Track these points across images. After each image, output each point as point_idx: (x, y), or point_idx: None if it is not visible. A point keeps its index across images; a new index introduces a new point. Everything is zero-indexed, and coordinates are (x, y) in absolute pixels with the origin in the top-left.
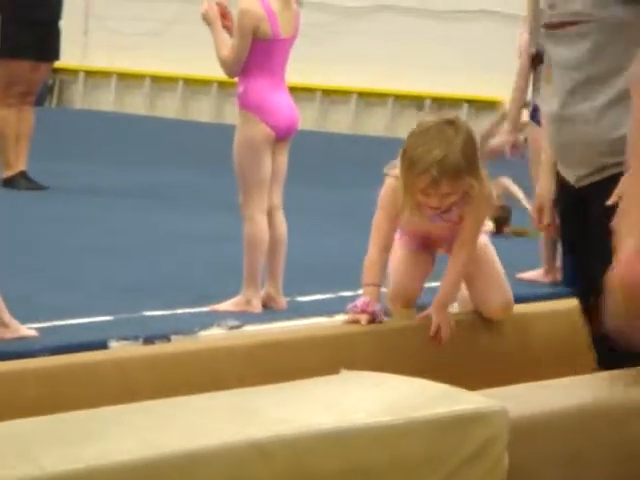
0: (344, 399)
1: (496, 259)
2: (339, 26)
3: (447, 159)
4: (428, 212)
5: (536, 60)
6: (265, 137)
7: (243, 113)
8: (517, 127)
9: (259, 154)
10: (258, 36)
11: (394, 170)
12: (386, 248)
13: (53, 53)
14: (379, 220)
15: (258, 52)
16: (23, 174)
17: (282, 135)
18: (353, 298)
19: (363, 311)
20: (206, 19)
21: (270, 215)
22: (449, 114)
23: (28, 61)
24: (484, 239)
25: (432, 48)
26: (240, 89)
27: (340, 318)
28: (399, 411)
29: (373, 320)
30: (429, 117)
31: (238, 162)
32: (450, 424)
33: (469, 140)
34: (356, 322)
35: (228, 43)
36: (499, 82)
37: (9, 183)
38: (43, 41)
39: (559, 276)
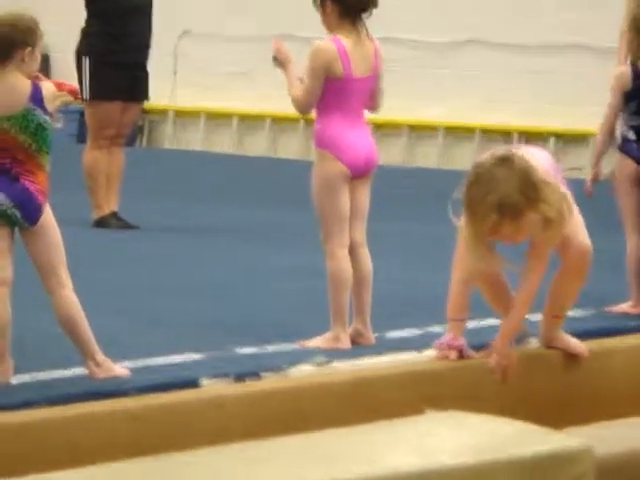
0: (428, 440)
1: None
2: (425, 61)
3: (504, 202)
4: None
5: (628, 94)
6: (341, 175)
7: (319, 151)
8: (599, 160)
9: (335, 191)
10: (330, 75)
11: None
12: (468, 282)
13: (143, 94)
14: (458, 260)
15: (332, 91)
16: (114, 215)
17: (359, 172)
18: (441, 333)
19: (450, 347)
20: (277, 60)
21: (354, 251)
22: (502, 150)
23: (118, 103)
24: None
25: (519, 82)
26: (316, 127)
27: (428, 353)
28: (483, 452)
29: (461, 355)
30: (483, 156)
31: (316, 200)
32: (535, 465)
33: (525, 175)
34: (445, 358)
35: (299, 84)
36: (587, 116)
37: (100, 224)
38: (133, 83)
39: None
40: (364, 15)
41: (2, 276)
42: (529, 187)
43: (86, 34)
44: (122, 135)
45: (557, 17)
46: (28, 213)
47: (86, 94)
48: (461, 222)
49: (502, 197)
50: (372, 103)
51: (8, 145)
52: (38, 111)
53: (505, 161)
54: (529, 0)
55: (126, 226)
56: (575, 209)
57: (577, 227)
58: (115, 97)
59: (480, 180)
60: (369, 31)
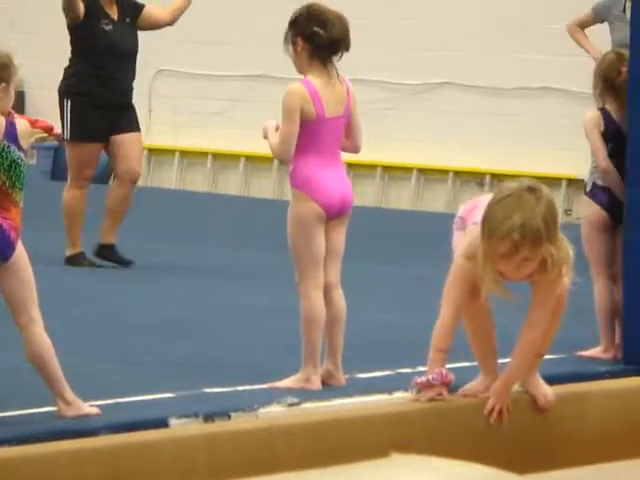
0: None
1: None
2: (400, 103)
3: (528, 224)
4: (504, 281)
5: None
6: (315, 215)
7: (294, 191)
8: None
9: (310, 232)
10: (303, 117)
11: (465, 250)
12: (457, 317)
13: (132, 125)
14: (451, 290)
15: (305, 132)
16: (111, 247)
17: (333, 213)
18: (411, 375)
19: (443, 383)
20: (265, 133)
21: (328, 292)
22: (530, 182)
23: (97, 145)
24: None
25: (493, 124)
26: (291, 168)
27: (399, 395)
28: None
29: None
30: (509, 184)
31: (291, 240)
32: None
33: (550, 207)
34: (432, 397)
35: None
36: (561, 159)
37: (72, 261)
38: (118, 119)
39: (619, 354)
40: (335, 57)
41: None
42: (553, 220)
43: (69, 74)
44: (129, 170)
45: (531, 60)
46: (1, 249)
47: (67, 134)
48: (458, 245)
49: (528, 219)
50: (352, 144)
51: None
52: (12, 148)
53: (534, 190)
54: (503, 43)
55: (92, 264)
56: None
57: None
58: (95, 139)
59: (507, 201)
60: (339, 72)
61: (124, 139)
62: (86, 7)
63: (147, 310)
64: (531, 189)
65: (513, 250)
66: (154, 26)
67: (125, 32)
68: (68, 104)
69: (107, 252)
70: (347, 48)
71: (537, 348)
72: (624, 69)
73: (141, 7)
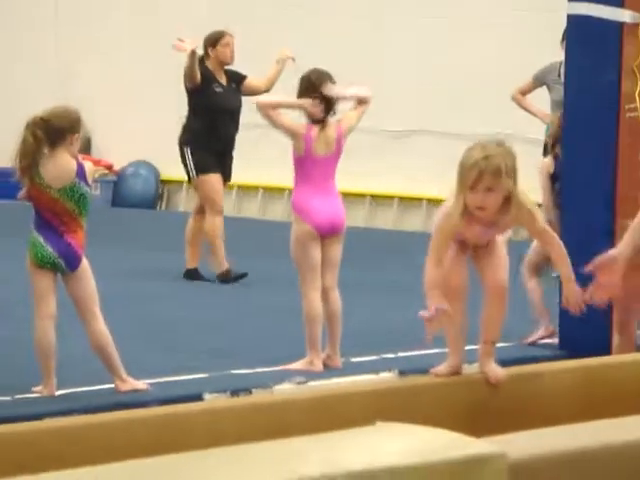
0: (376, 445)
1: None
2: (384, 145)
3: (490, 158)
4: (476, 217)
5: (553, 178)
6: (309, 234)
7: (293, 215)
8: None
9: (305, 247)
10: (295, 152)
11: (442, 208)
12: (440, 264)
13: (229, 175)
14: (435, 242)
15: (297, 164)
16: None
17: (325, 232)
18: (393, 360)
19: (437, 311)
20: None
21: (326, 294)
22: (498, 139)
23: (219, 175)
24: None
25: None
26: (292, 196)
27: (384, 375)
28: (419, 456)
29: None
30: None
31: (292, 253)
32: (457, 467)
33: (510, 154)
34: (436, 326)
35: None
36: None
37: (222, 277)
38: (222, 165)
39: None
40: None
41: (49, 311)
42: (512, 165)
43: (187, 128)
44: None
45: (492, 111)
46: (70, 262)
47: (192, 174)
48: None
49: (491, 155)
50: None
51: (57, 210)
52: (82, 184)
53: (499, 143)
54: (465, 96)
55: (237, 277)
56: (504, 251)
57: (503, 265)
58: (215, 170)
59: (475, 146)
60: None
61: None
62: (202, 74)
63: (185, 310)
64: (497, 142)
65: (478, 178)
66: (254, 93)
67: (232, 94)
68: (188, 151)
69: (227, 275)
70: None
71: (565, 256)
72: None
73: (244, 77)
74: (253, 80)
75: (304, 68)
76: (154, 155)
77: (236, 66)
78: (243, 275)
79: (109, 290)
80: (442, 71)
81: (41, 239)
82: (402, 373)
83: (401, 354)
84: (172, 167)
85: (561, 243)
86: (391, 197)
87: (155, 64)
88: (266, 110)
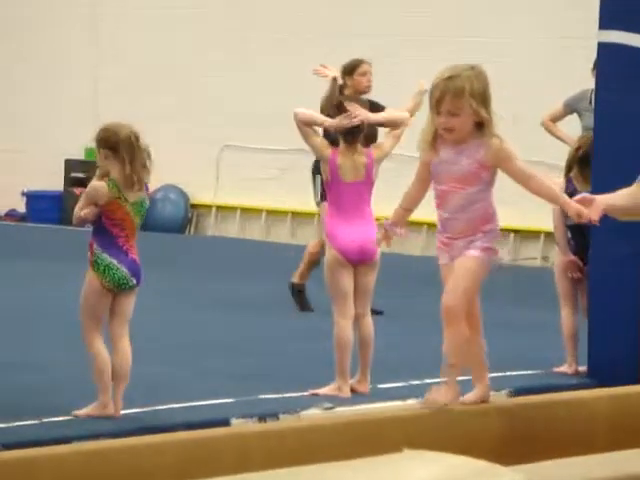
0: (403, 473)
1: (470, 272)
2: (404, 171)
3: (454, 79)
4: (446, 140)
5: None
6: (337, 260)
7: (325, 241)
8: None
9: (335, 273)
10: (322, 172)
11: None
12: (417, 184)
13: None
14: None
15: (326, 188)
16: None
17: (355, 259)
18: (421, 386)
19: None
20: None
21: (358, 320)
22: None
23: None
24: (478, 255)
25: None
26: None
27: (411, 402)
28: None
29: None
30: None
31: (325, 279)
32: None
33: (480, 76)
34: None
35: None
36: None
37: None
38: None
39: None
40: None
41: (115, 332)
42: (481, 86)
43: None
44: None
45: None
46: (138, 278)
47: (317, 199)
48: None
49: (455, 75)
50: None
51: (126, 225)
52: (148, 200)
53: (471, 65)
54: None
55: (302, 300)
56: (470, 269)
57: (457, 287)
58: None
59: (445, 69)
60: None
61: None
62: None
63: (211, 333)
64: (470, 64)
65: (440, 98)
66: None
67: (368, 124)
68: (318, 178)
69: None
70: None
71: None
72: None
73: (382, 108)
74: (393, 113)
75: None
76: (184, 180)
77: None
78: (307, 303)
79: (137, 313)
80: None
81: (114, 261)
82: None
83: (427, 380)
84: (202, 192)
85: (544, 177)
86: (419, 223)
87: (189, 93)
88: (300, 123)
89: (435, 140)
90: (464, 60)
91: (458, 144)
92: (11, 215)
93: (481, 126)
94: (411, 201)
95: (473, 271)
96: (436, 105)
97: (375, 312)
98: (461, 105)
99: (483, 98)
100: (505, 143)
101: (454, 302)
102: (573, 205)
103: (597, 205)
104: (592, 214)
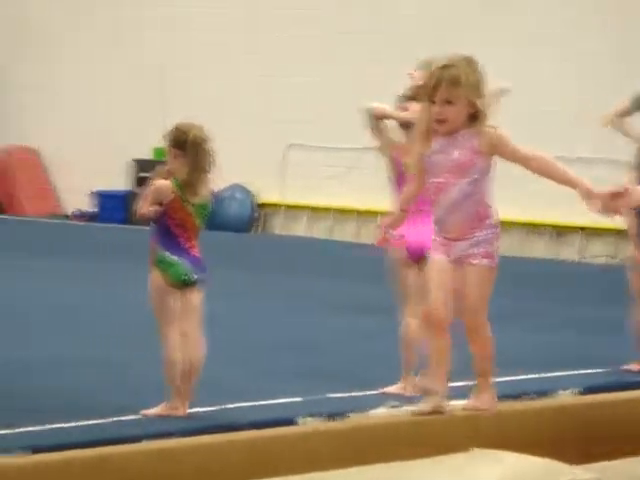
0: (471, 472)
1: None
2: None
3: (449, 68)
4: (439, 132)
5: None
6: (398, 259)
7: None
8: None
9: (396, 272)
10: (386, 168)
11: None
12: (416, 183)
13: None
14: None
15: (391, 185)
16: None
17: (418, 258)
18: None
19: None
20: None
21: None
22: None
23: None
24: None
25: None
26: None
27: None
28: None
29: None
30: None
31: (393, 278)
32: None
33: (474, 66)
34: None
35: None
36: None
37: None
38: None
39: None
40: None
41: (182, 329)
42: (475, 78)
43: None
44: None
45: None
46: (202, 276)
47: None
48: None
49: (450, 65)
50: None
51: (188, 226)
52: (212, 203)
53: (467, 57)
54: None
55: None
56: (474, 280)
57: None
58: None
59: (440, 59)
60: None
61: None
62: None
63: (278, 331)
64: (465, 56)
65: (436, 87)
66: None
67: None
68: None
69: None
70: None
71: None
72: None
73: None
74: None
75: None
76: (251, 179)
77: None
78: None
79: (205, 312)
80: (552, 98)
81: (176, 258)
82: (498, 398)
83: (497, 379)
84: (270, 191)
85: (551, 159)
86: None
87: (255, 91)
88: (374, 117)
89: (429, 131)
90: None
91: (450, 134)
92: (80, 215)
93: (475, 118)
94: (409, 200)
95: (483, 283)
96: (431, 93)
97: None
98: (457, 94)
99: (477, 89)
100: (499, 130)
101: (477, 319)
102: (587, 188)
103: (632, 196)
104: (621, 204)
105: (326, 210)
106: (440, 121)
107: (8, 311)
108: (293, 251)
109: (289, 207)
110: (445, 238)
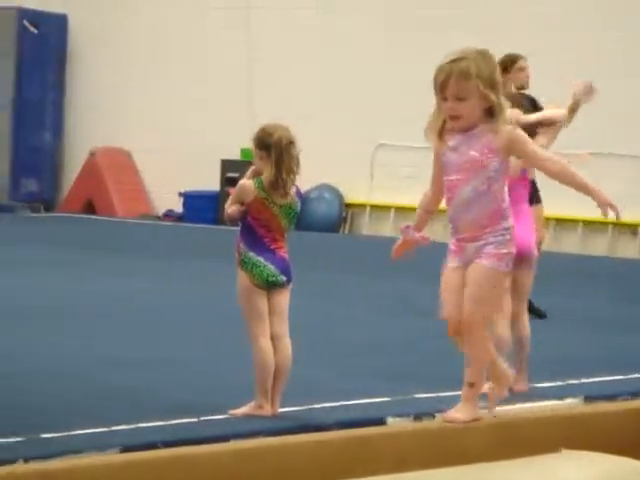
0: (561, 474)
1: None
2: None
3: (459, 61)
4: (452, 129)
5: None
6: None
7: None
8: None
9: None
10: None
11: None
12: (433, 188)
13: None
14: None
15: None
16: None
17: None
18: (579, 386)
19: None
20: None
21: (514, 319)
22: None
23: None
24: (489, 265)
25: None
26: None
27: (570, 401)
28: None
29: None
30: None
31: None
32: None
33: (487, 59)
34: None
35: None
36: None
37: None
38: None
39: None
40: None
41: (268, 329)
42: (489, 70)
43: None
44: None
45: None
46: (288, 275)
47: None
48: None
49: (460, 58)
50: None
51: (273, 227)
52: (299, 203)
53: (480, 50)
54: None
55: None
56: (480, 281)
57: (467, 299)
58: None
59: (452, 52)
60: None
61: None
62: None
63: (361, 333)
64: (479, 49)
65: (445, 81)
66: (550, 122)
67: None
68: None
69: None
70: None
71: (569, 166)
72: None
73: (541, 107)
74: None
75: None
76: (339, 179)
77: None
78: (538, 311)
79: (292, 312)
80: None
81: (261, 259)
82: (587, 399)
83: (585, 380)
84: (357, 191)
85: (567, 163)
86: (576, 221)
87: (343, 92)
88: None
89: (444, 128)
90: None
91: (467, 131)
92: (169, 215)
93: (491, 113)
94: (430, 201)
95: (485, 283)
96: (441, 89)
97: (538, 314)
98: (467, 88)
99: (491, 82)
100: (517, 129)
101: (471, 318)
102: (602, 196)
103: None
104: None
105: (412, 210)
106: (454, 117)
107: (104, 312)
108: (379, 251)
109: (375, 207)
110: (458, 240)
